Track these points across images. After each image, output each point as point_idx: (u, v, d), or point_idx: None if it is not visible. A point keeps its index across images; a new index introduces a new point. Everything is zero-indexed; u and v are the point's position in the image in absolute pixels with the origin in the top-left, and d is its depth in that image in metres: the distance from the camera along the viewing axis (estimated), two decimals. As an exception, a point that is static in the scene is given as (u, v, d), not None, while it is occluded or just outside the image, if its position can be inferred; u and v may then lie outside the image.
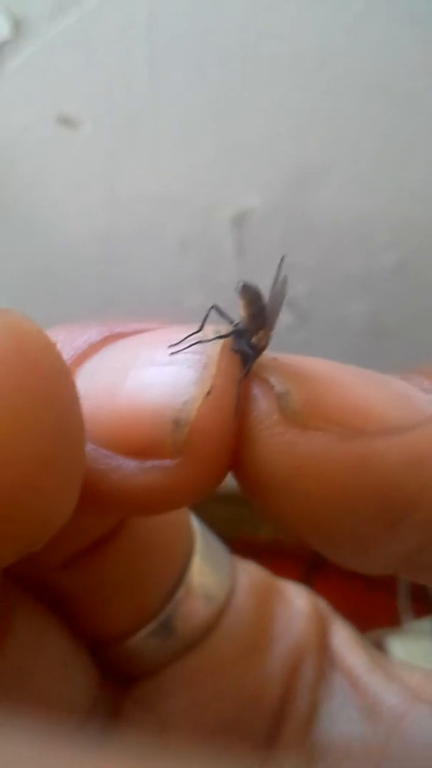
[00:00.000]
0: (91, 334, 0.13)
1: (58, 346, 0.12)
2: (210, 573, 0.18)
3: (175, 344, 0.12)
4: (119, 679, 0.18)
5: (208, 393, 0.12)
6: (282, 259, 0.15)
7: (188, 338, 0.12)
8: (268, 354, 0.13)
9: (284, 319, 0.62)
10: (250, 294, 0.14)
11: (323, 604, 0.20)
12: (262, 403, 0.12)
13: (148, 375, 0.12)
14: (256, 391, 0.12)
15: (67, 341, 0.13)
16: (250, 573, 0.19)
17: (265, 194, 0.54)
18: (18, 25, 0.47)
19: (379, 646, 0.64)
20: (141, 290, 0.63)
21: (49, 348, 0.10)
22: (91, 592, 0.17)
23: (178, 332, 0.13)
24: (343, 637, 0.19)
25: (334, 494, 0.12)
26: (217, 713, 0.18)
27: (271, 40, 0.47)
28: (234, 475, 0.13)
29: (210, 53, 0.48)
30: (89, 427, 0.12)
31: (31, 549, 0.11)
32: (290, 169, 0.53)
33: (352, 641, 0.19)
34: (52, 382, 0.10)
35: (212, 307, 0.14)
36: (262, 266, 0.59)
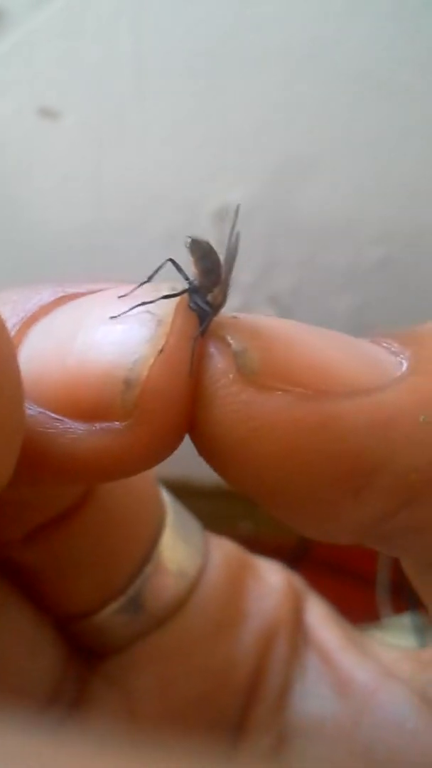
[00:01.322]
0: (43, 295, 0.13)
1: (9, 307, 0.12)
2: (181, 548, 0.18)
3: (126, 301, 0.12)
4: (87, 656, 0.18)
5: (161, 351, 0.11)
6: (237, 210, 0.14)
7: (140, 295, 0.12)
8: (227, 313, 0.13)
9: (266, 314, 0.62)
10: (200, 249, 0.13)
11: (298, 581, 0.20)
12: (219, 362, 0.11)
13: (98, 334, 0.11)
14: (213, 349, 0.12)
15: (18, 302, 0.13)
16: (223, 549, 0.19)
17: (251, 188, 0.54)
18: (0, 15, 0.47)
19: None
20: (125, 282, 0.63)
21: None
22: (55, 568, 0.16)
23: (130, 290, 0.12)
24: (317, 614, 0.19)
25: (292, 457, 0.11)
26: (186, 690, 0.17)
27: (259, 32, 0.46)
28: (191, 437, 0.12)
29: (197, 44, 0.47)
30: (38, 390, 0.11)
31: None
32: (277, 162, 0.52)
33: (327, 618, 0.19)
34: None
35: (167, 260, 0.13)
36: (246, 260, 0.58)
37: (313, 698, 0.17)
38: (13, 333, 0.12)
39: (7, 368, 0.10)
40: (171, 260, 0.13)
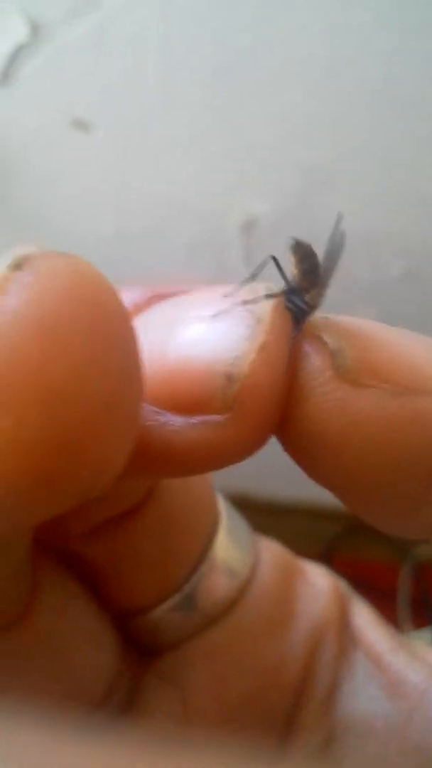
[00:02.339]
0: (137, 294, 0.13)
1: None
2: (234, 549, 0.18)
3: (226, 299, 0.12)
4: (142, 652, 0.18)
5: (261, 348, 0.11)
6: (339, 216, 0.15)
7: (239, 295, 0.12)
8: (318, 313, 0.13)
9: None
10: (302, 251, 0.13)
11: (344, 585, 0.20)
12: (315, 360, 0.12)
13: (198, 330, 0.12)
14: (309, 348, 0.12)
15: None
16: (272, 550, 0.19)
17: (273, 201, 0.54)
18: (35, 29, 0.48)
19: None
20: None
21: (113, 291, 0.10)
22: (116, 564, 0.17)
23: (229, 288, 0.12)
24: (364, 617, 0.19)
25: (384, 452, 0.11)
26: (238, 688, 0.18)
27: (281, 47, 0.47)
28: (278, 435, 0.12)
29: (221, 59, 0.48)
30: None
31: (88, 496, 0.11)
32: (298, 175, 0.53)
33: (374, 620, 0.19)
34: (117, 325, 0.10)
35: (270, 257, 0.13)
36: (268, 272, 0.59)
37: (362, 698, 0.17)
38: None
39: (136, 354, 0.11)
40: (273, 258, 0.13)
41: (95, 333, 0.10)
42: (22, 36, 0.48)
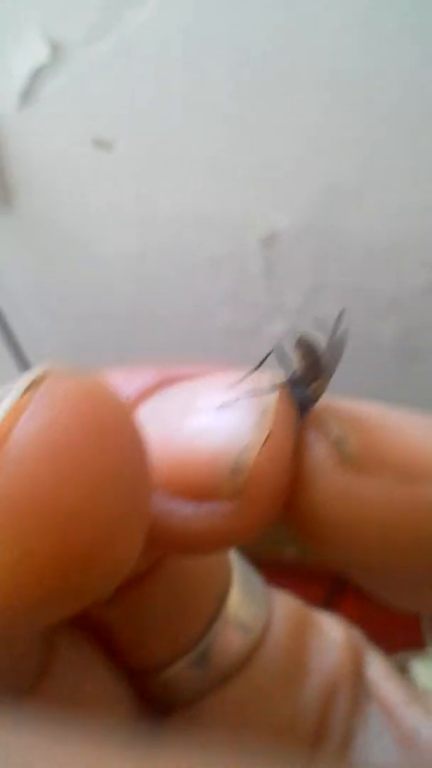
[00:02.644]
0: (147, 378, 0.13)
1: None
2: (247, 605, 0.18)
3: (233, 390, 0.13)
4: (157, 710, 0.18)
5: (266, 439, 0.12)
6: (341, 313, 0.15)
7: (245, 385, 0.13)
8: (323, 399, 0.13)
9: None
10: (305, 347, 0.14)
11: (358, 635, 0.20)
12: (319, 448, 0.12)
13: (205, 420, 0.12)
14: (313, 436, 0.12)
15: (122, 385, 0.13)
16: (285, 604, 0.19)
17: (296, 214, 0.54)
18: (56, 50, 0.49)
19: (403, 669, 0.63)
20: (172, 308, 0.64)
21: (123, 410, 0.11)
22: (130, 625, 0.17)
23: (235, 377, 0.13)
24: (378, 669, 0.19)
25: (389, 539, 0.12)
26: (253, 744, 0.18)
27: (305, 62, 0.47)
28: (285, 518, 0.13)
29: (244, 74, 0.48)
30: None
31: (100, 599, 0.11)
32: (322, 189, 0.53)
33: (387, 673, 0.19)
34: (127, 444, 0.11)
35: (272, 350, 0.14)
36: (291, 286, 0.59)
37: (375, 751, 0.17)
38: None
39: (145, 469, 0.11)
40: (276, 350, 0.14)
41: (106, 454, 0.10)
42: (43, 56, 0.49)
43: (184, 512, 0.12)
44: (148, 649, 0.17)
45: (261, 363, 0.14)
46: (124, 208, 0.57)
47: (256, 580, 0.19)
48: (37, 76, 0.50)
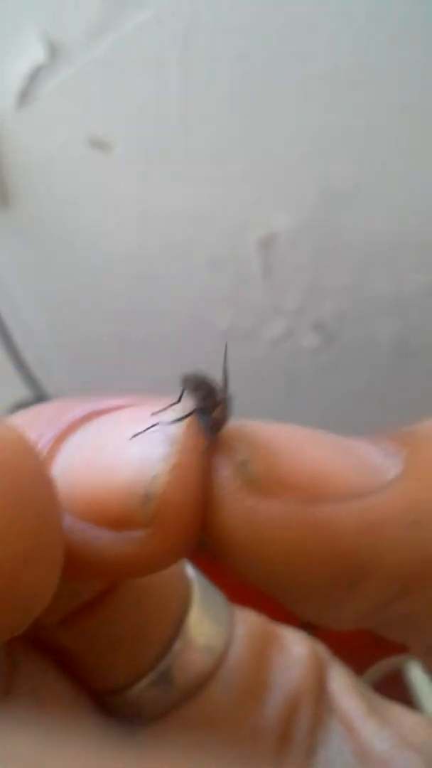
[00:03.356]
0: (75, 411, 0.14)
1: (45, 422, 0.14)
2: (208, 623, 0.19)
3: (146, 422, 0.13)
4: (122, 728, 0.19)
5: (174, 468, 0.12)
6: (226, 347, 0.16)
7: (157, 416, 0.14)
8: (232, 423, 0.14)
9: (310, 340, 0.62)
10: (190, 383, 0.15)
11: (322, 650, 0.20)
12: (225, 472, 0.13)
13: (120, 452, 0.13)
14: (220, 460, 0.13)
15: (53, 418, 0.14)
16: (248, 621, 0.20)
17: (295, 215, 0.54)
18: (54, 50, 0.49)
19: (399, 673, 0.63)
20: (170, 309, 0.64)
21: (27, 452, 0.11)
22: (89, 648, 0.17)
23: (150, 409, 0.14)
24: (341, 683, 0.19)
25: (291, 556, 0.12)
26: (215, 760, 0.18)
27: (302, 63, 0.47)
28: (205, 537, 0.13)
29: (242, 75, 0.48)
30: (72, 500, 0.13)
31: (15, 634, 0.11)
32: (320, 190, 0.53)
33: (350, 687, 0.19)
34: (31, 487, 0.11)
35: (182, 379, 0.15)
36: (290, 287, 0.59)
37: (337, 764, 0.18)
38: (49, 445, 0.14)
39: (52, 510, 0.12)
40: (184, 380, 0.15)
41: (7, 498, 0.11)
42: (41, 56, 0.49)
43: (105, 539, 0.12)
44: (108, 671, 0.18)
45: (179, 399, 0.14)
46: (123, 208, 0.57)
47: (217, 598, 0.20)
48: (35, 76, 0.50)
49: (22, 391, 0.75)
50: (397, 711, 0.19)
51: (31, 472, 0.11)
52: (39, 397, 0.74)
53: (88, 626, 0.17)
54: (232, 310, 0.62)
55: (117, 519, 0.12)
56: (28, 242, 0.61)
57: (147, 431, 0.13)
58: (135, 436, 0.13)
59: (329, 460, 0.13)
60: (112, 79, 0.49)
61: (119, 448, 0.13)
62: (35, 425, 0.14)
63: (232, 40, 0.47)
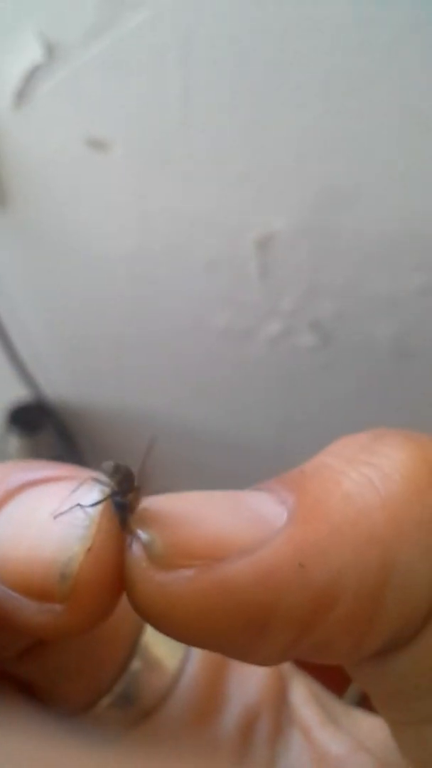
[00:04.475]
0: (10, 481, 0.16)
1: None
2: (163, 641, 0.20)
3: (68, 500, 0.15)
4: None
5: (89, 549, 0.14)
6: (151, 439, 0.18)
7: (78, 496, 0.15)
8: (142, 504, 0.15)
9: (307, 339, 0.62)
10: (108, 469, 0.16)
11: (284, 664, 0.21)
12: (134, 553, 0.14)
13: (43, 531, 0.14)
14: (129, 542, 0.14)
15: None
16: None
17: (292, 216, 0.54)
18: (51, 50, 0.48)
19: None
20: (168, 309, 0.64)
21: None
22: (45, 676, 0.19)
23: (72, 488, 0.15)
24: (300, 693, 0.20)
25: (203, 619, 0.13)
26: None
27: (303, 64, 0.47)
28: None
29: (242, 77, 0.48)
30: (3, 569, 0.14)
31: None
32: (318, 191, 0.53)
33: (309, 696, 0.20)
34: None
35: (92, 477, 0.16)
36: (287, 288, 0.59)
37: None
38: None
39: None
40: (93, 477, 0.16)
41: None
42: (38, 56, 0.49)
43: (29, 609, 0.14)
44: (67, 696, 0.19)
45: (98, 482, 0.16)
46: (121, 209, 0.57)
47: None
48: (32, 76, 0.50)
49: (20, 391, 0.75)
50: (357, 716, 0.20)
51: None
52: (37, 397, 0.74)
53: (41, 659, 0.18)
54: (230, 310, 0.62)
55: (39, 592, 0.14)
56: (26, 243, 0.61)
57: (67, 512, 0.15)
58: (57, 516, 0.14)
59: (224, 522, 0.14)
60: (110, 79, 0.49)
61: (42, 527, 0.14)
62: None
63: (232, 41, 0.47)
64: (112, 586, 0.14)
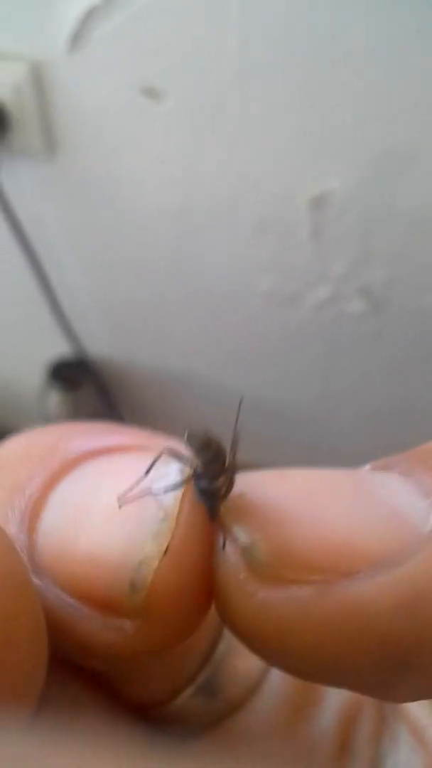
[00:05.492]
0: (68, 449, 0.13)
1: (35, 462, 0.12)
2: None
3: (136, 479, 0.11)
4: (168, 740, 0.17)
5: (166, 550, 0.11)
6: (240, 401, 0.14)
7: (150, 478, 0.12)
8: (236, 488, 0.12)
9: (356, 306, 0.60)
10: (196, 443, 0.12)
11: None
12: (228, 559, 0.11)
13: (105, 521, 0.11)
14: (221, 543, 0.11)
15: (44, 458, 0.13)
16: None
17: (348, 177, 0.52)
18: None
19: None
20: (212, 270, 0.63)
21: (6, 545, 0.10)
22: (121, 668, 0.16)
23: (147, 459, 0.12)
24: None
25: (324, 653, 0.10)
26: None
27: (364, 23, 0.45)
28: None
29: (302, 33, 0.46)
30: (57, 569, 0.11)
31: (20, 717, 0.10)
32: (376, 152, 0.51)
33: None
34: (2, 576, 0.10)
35: (165, 448, 0.12)
36: (338, 252, 0.57)
37: None
38: (37, 494, 0.12)
39: (27, 614, 0.10)
40: (170, 449, 0.12)
41: None
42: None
43: (92, 624, 0.11)
44: (147, 687, 0.16)
45: (155, 460, 0.12)
46: (170, 161, 0.55)
47: None
48: (88, 18, 0.48)
49: (63, 348, 0.75)
50: None
51: (6, 570, 0.10)
52: (78, 353, 0.74)
53: None
54: (277, 274, 0.60)
55: (103, 604, 0.11)
56: (73, 195, 0.61)
57: (138, 497, 0.11)
58: (124, 502, 0.11)
59: (350, 521, 0.11)
60: (168, 24, 0.48)
61: (106, 517, 0.11)
62: (25, 464, 0.12)
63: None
64: (197, 599, 0.11)
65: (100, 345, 0.75)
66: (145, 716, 0.17)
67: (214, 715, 0.17)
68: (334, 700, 0.17)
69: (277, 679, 0.17)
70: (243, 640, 0.11)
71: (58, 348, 0.75)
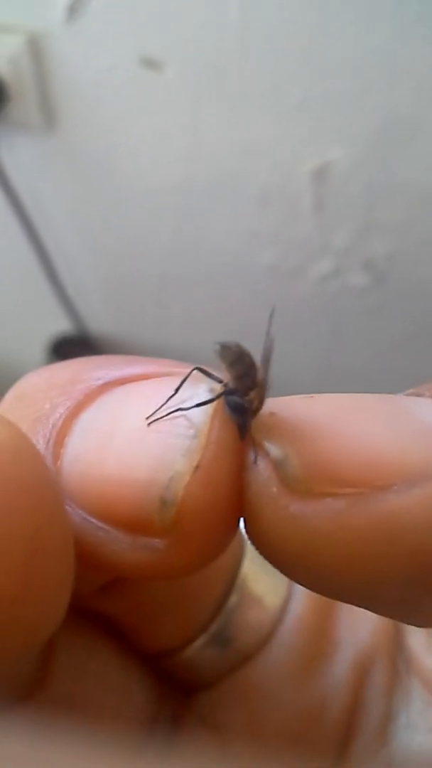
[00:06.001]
0: (92, 379, 0.12)
1: (57, 392, 0.12)
2: (263, 577, 0.17)
3: (164, 400, 0.11)
4: (180, 689, 0.17)
5: (197, 467, 0.11)
6: (272, 313, 0.14)
7: (179, 396, 0.11)
8: (266, 408, 0.12)
9: (359, 279, 0.60)
10: (230, 355, 0.12)
11: None
12: (260, 474, 0.11)
13: (133, 442, 0.11)
14: (252, 458, 0.11)
15: (65, 388, 0.13)
16: None
17: (351, 147, 0.52)
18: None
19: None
20: (214, 244, 0.62)
21: (27, 458, 0.10)
22: (135, 613, 0.16)
23: (173, 383, 0.12)
24: (421, 639, 0.17)
25: (355, 565, 0.10)
26: (277, 728, 0.16)
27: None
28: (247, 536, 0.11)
29: (304, 1, 0.46)
30: (83, 493, 0.11)
31: (40, 637, 0.11)
32: (379, 122, 0.50)
33: (431, 643, 0.17)
34: (30, 491, 0.10)
35: (195, 368, 0.12)
36: (341, 224, 0.57)
37: (421, 729, 0.16)
38: (61, 421, 0.12)
39: (55, 528, 0.10)
40: (199, 368, 0.12)
41: (7, 502, 0.09)
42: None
43: (119, 544, 0.11)
44: (159, 634, 0.17)
45: (184, 379, 0.12)
46: (171, 134, 0.55)
47: None
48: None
49: (64, 324, 0.74)
50: None
51: (32, 474, 0.10)
52: (79, 330, 0.74)
53: (129, 591, 0.15)
54: (279, 247, 0.60)
55: (132, 523, 0.11)
56: (73, 169, 0.60)
57: (167, 416, 0.11)
58: (152, 422, 0.11)
59: (384, 437, 0.10)
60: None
61: (134, 437, 0.11)
62: (48, 393, 0.12)
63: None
64: (227, 515, 0.11)
65: (101, 321, 0.75)
66: (157, 666, 0.17)
67: (225, 665, 0.17)
68: (348, 652, 0.17)
69: (290, 631, 0.17)
70: (272, 557, 0.11)
71: (59, 325, 0.75)
